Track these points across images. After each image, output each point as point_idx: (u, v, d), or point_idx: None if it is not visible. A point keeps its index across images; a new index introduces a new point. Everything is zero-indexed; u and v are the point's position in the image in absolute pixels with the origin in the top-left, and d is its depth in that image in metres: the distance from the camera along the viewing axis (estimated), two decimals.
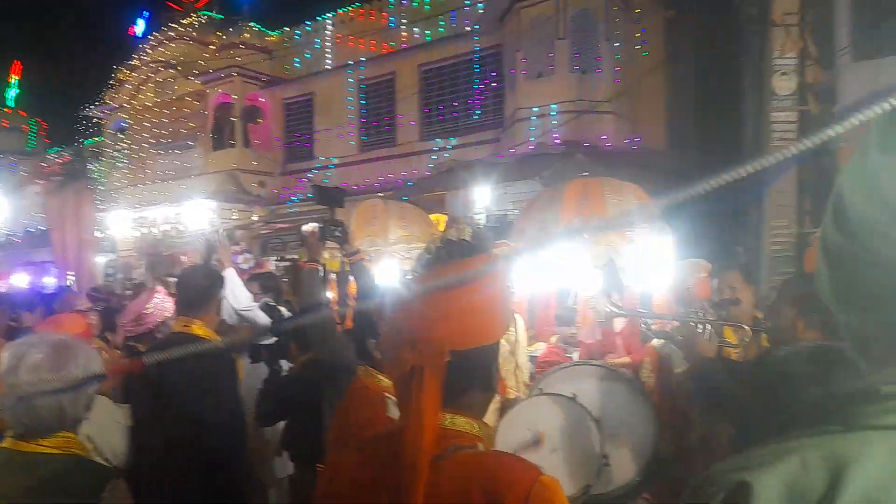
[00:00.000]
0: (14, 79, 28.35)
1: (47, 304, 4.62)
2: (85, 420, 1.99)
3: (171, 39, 18.88)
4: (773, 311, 2.62)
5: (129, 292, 7.76)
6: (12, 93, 28.28)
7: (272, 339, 3.76)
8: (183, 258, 10.06)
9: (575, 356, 4.48)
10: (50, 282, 11.60)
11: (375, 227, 5.23)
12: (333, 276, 4.55)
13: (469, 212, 10.13)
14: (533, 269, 4.24)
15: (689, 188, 0.88)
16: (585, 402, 3.08)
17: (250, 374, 4.13)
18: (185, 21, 18.85)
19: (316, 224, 3.10)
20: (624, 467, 3.06)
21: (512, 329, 3.67)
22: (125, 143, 20.00)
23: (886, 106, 0.66)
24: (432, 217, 7.13)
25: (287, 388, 3.26)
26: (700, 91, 12.27)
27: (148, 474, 2.64)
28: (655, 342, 3.92)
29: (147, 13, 20.80)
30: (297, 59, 17.43)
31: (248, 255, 10.51)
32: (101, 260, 17.43)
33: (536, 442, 2.92)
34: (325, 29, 16.87)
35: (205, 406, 2.67)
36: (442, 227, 6.60)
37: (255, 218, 17.09)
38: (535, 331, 4.98)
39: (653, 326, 3.88)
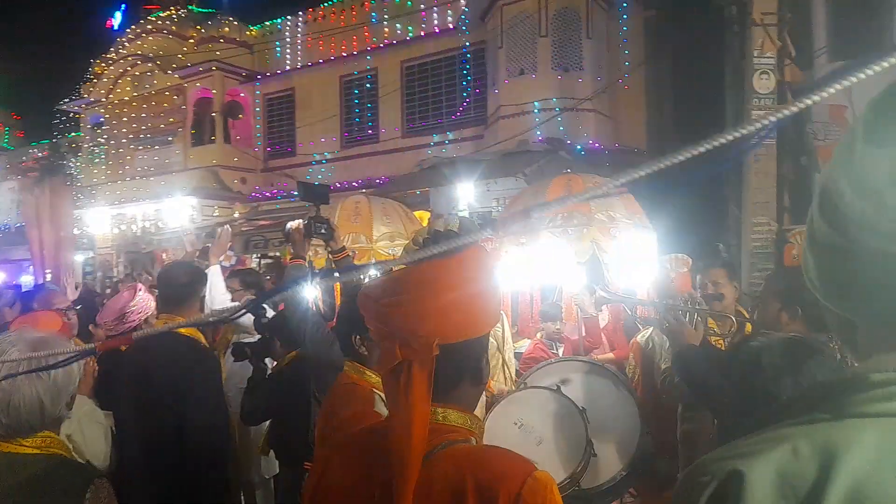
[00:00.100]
0: None
1: (25, 301, 4.54)
2: (66, 419, 1.96)
3: (148, 33, 18.61)
4: (760, 303, 2.67)
5: (108, 290, 7.66)
6: None
7: (256, 337, 3.73)
8: (163, 255, 9.95)
9: (560, 352, 4.51)
10: (27, 280, 11.41)
11: (359, 224, 5.21)
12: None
13: (452, 208, 10.13)
14: (517, 266, 4.25)
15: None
16: (571, 396, 3.10)
17: (234, 373, 4.10)
18: (163, 14, 18.61)
19: (301, 221, 3.08)
20: (610, 462, 3.09)
21: (498, 325, 3.68)
22: (103, 138, 19.71)
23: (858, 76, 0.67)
24: (416, 214, 7.13)
25: (273, 386, 3.24)
26: (680, 90, 12.40)
27: (131, 474, 2.61)
28: (639, 338, 3.96)
29: (124, 6, 20.51)
30: (277, 54, 17.29)
31: (229, 253, 10.42)
32: (79, 258, 17.17)
33: (522, 433, 2.93)
34: (307, 24, 16.76)
35: (188, 404, 2.65)
36: (425, 224, 6.60)
37: (236, 215, 16.94)
38: (520, 327, 5.00)
39: (639, 316, 3.92)
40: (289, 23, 17.20)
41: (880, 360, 0.66)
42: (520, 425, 3.03)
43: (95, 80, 19.60)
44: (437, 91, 14.56)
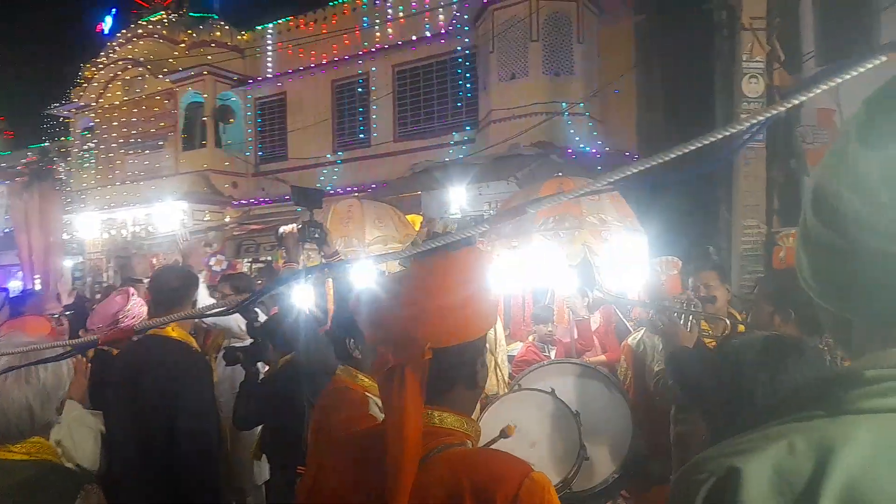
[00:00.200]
0: None
1: (14, 305, 4.50)
2: (56, 424, 1.95)
3: (139, 37, 18.52)
4: (753, 306, 2.69)
5: (98, 296, 7.61)
6: None
7: (248, 342, 3.72)
8: (153, 260, 9.90)
9: (552, 354, 4.52)
10: (16, 285, 11.32)
11: (351, 228, 5.21)
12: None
13: (444, 212, 10.15)
14: (508, 269, 4.26)
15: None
16: (564, 399, 3.11)
17: (225, 378, 4.09)
18: (153, 19, 18.54)
19: (294, 225, 3.08)
20: (602, 464, 3.10)
21: (491, 329, 3.68)
22: (93, 142, 19.60)
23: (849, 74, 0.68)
24: (408, 218, 7.13)
25: (267, 391, 3.23)
26: (671, 93, 12.47)
27: (123, 478, 2.59)
28: (630, 340, 3.97)
29: (115, 10, 20.43)
30: (269, 59, 17.26)
31: (220, 257, 10.38)
32: (68, 263, 17.05)
33: (515, 435, 2.93)
34: (298, 28, 16.75)
35: (179, 408, 2.64)
36: (417, 228, 6.60)
37: (227, 219, 16.88)
38: (512, 330, 5.01)
39: (633, 318, 3.93)
40: (280, 27, 17.19)
41: (875, 357, 0.67)
42: (513, 428, 3.03)
43: (86, 85, 19.48)
44: (429, 95, 14.58)
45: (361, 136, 15.62)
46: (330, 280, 3.21)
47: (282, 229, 3.11)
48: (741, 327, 3.24)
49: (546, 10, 12.05)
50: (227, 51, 17.42)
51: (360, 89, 15.61)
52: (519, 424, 3.06)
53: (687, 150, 0.81)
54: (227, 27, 17.83)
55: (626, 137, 12.45)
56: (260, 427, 3.55)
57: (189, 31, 17.96)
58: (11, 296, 5.86)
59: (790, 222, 8.22)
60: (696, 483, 0.68)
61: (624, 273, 4.23)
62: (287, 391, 3.05)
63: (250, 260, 13.47)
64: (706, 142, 0.80)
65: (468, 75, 13.85)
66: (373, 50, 15.28)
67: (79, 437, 2.55)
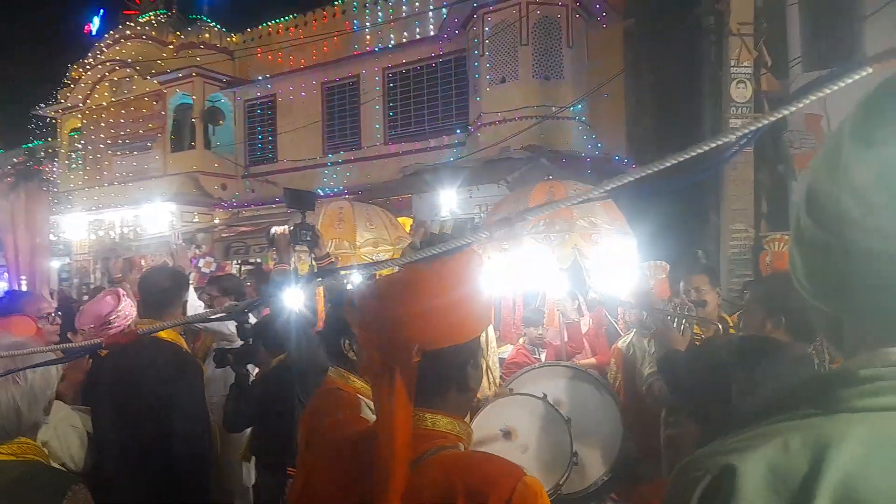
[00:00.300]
0: None
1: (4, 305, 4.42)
2: (43, 425, 1.93)
3: (127, 38, 18.42)
4: (745, 311, 2.71)
5: (86, 297, 7.54)
6: None
7: (238, 344, 3.70)
8: (142, 262, 9.83)
9: (542, 357, 4.53)
10: (1, 286, 11.18)
11: (343, 230, 5.20)
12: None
13: (435, 215, 10.15)
14: (499, 272, 4.27)
15: (650, 187, 0.91)
16: (555, 402, 3.12)
17: (215, 380, 4.06)
18: (142, 20, 18.44)
19: (286, 226, 3.07)
20: (592, 466, 3.11)
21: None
22: (80, 143, 19.45)
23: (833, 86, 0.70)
24: (398, 220, 7.12)
25: (258, 392, 3.21)
26: (659, 98, 12.56)
27: (111, 479, 2.57)
28: (621, 343, 3.99)
29: (103, 11, 20.31)
30: (258, 61, 17.21)
31: (209, 259, 10.33)
32: (55, 264, 16.90)
33: (507, 439, 2.95)
34: (288, 30, 16.72)
35: (170, 410, 2.62)
36: (408, 230, 6.60)
37: (216, 221, 16.80)
38: (502, 333, 5.01)
39: (623, 320, 3.94)
40: (270, 29, 17.15)
41: (868, 356, 0.68)
42: (505, 432, 3.04)
43: (73, 86, 19.35)
44: (420, 98, 14.59)
45: (352, 138, 15.61)
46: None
47: (273, 230, 3.10)
48: (731, 331, 3.26)
49: (535, 15, 12.11)
50: (216, 52, 17.35)
51: (350, 92, 15.60)
52: (511, 429, 3.08)
53: (682, 160, 0.83)
54: (216, 29, 17.76)
55: (616, 141, 12.52)
56: (249, 429, 3.53)
57: (178, 33, 17.90)
58: None
59: (778, 226, 8.30)
60: (692, 481, 0.68)
61: (613, 276, 4.25)
62: (278, 393, 3.04)
63: (239, 262, 13.40)
64: (700, 151, 0.81)
65: (458, 79, 13.88)
66: (363, 53, 15.28)
67: (66, 438, 2.53)
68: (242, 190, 17.33)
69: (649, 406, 3.42)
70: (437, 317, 1.16)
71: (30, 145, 22.48)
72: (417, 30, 14.65)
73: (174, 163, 17.36)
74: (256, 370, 3.70)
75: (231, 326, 3.81)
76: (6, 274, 11.69)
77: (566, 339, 4.28)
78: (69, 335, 3.69)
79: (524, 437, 3.03)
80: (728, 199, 8.52)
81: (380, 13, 15.21)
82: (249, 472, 4.10)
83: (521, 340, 4.73)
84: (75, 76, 19.40)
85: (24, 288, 9.49)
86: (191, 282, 4.21)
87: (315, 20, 16.30)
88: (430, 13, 14.39)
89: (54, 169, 20.40)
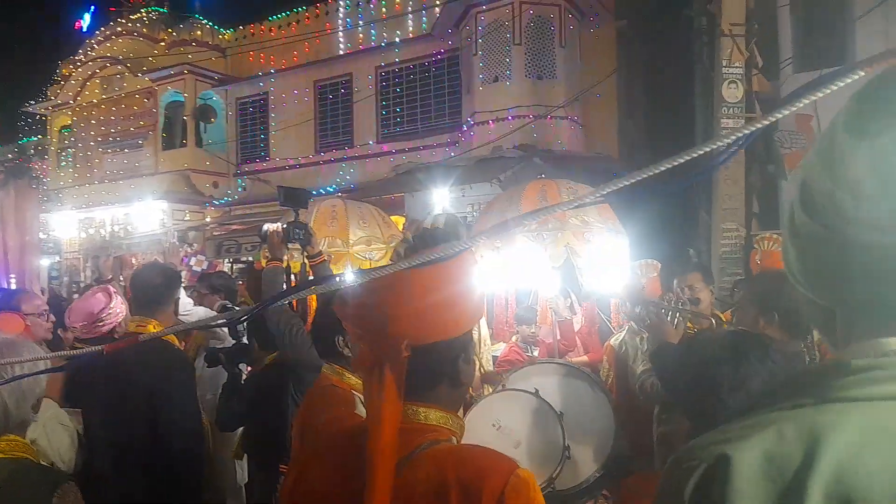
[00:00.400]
0: None
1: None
2: (32, 423, 1.92)
3: (118, 35, 18.32)
4: (738, 308, 2.73)
5: (76, 295, 7.49)
6: None
7: (228, 342, 3.68)
8: (132, 260, 9.76)
9: (535, 355, 4.54)
10: None
11: (335, 228, 5.18)
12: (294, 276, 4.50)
13: (428, 213, 10.14)
14: (492, 270, 4.27)
15: (642, 189, 0.92)
16: (548, 399, 3.13)
17: (206, 378, 4.05)
18: (133, 17, 18.34)
19: (279, 223, 3.07)
20: (585, 463, 3.12)
21: (474, 329, 3.69)
22: (71, 140, 19.32)
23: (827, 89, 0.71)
24: (391, 219, 7.11)
25: (252, 391, 3.20)
26: (652, 98, 12.62)
27: (102, 478, 2.56)
28: (613, 341, 4.01)
29: (93, 8, 20.17)
30: (251, 59, 17.15)
31: (200, 257, 10.29)
32: (45, 262, 16.78)
33: (500, 434, 2.95)
34: (280, 28, 16.67)
35: (161, 408, 2.61)
36: (401, 229, 6.59)
37: (208, 219, 16.73)
38: (495, 331, 5.02)
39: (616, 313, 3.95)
40: (262, 27, 17.09)
41: (861, 346, 0.68)
42: (498, 427, 3.05)
43: (63, 83, 19.22)
44: (412, 97, 14.58)
45: (344, 137, 15.58)
46: (313, 276, 3.20)
47: (265, 227, 3.10)
48: (724, 326, 3.28)
49: (528, 14, 12.13)
50: (208, 50, 17.28)
51: (343, 90, 15.57)
52: (504, 424, 3.09)
53: (677, 163, 0.83)
54: (208, 26, 17.69)
55: (608, 140, 12.55)
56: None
57: (169, 30, 17.81)
58: None
59: (769, 225, 8.35)
60: (686, 471, 0.69)
61: (605, 275, 4.27)
62: (271, 391, 3.03)
63: (231, 260, 13.36)
64: (695, 155, 0.82)
65: (451, 77, 13.88)
66: (356, 51, 15.25)
67: (55, 436, 2.52)
68: (234, 188, 17.27)
69: (642, 403, 3.43)
70: (427, 312, 1.16)
71: (20, 142, 22.33)
72: (410, 28, 14.64)
73: (165, 160, 17.28)
74: (249, 369, 3.69)
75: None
76: None
77: (559, 337, 4.29)
78: (59, 332, 3.66)
79: (517, 431, 3.05)
80: (719, 198, 8.57)
81: (373, 11, 15.19)
82: (243, 471, 4.09)
83: (513, 338, 4.74)
84: (66, 73, 19.27)
85: (13, 286, 9.41)
86: (182, 280, 4.19)
87: (308, 18, 16.25)
88: (424, 12, 14.38)
89: (44, 166, 20.26)
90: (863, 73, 0.69)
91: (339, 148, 15.58)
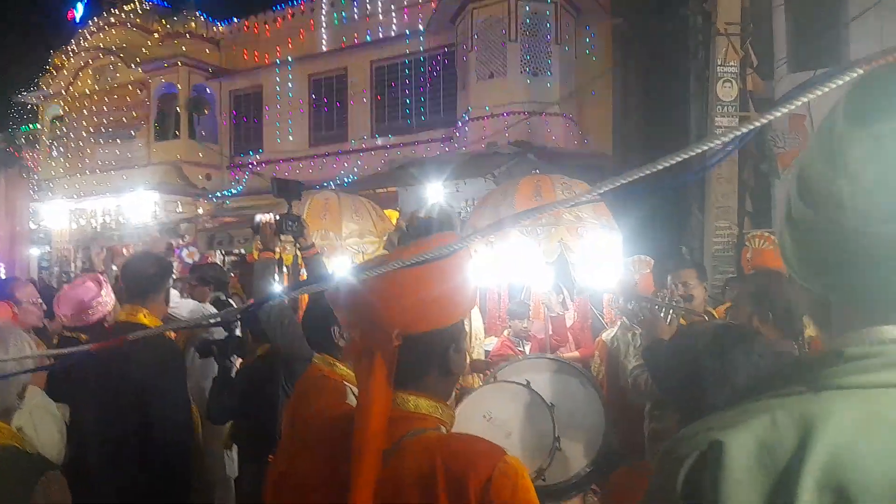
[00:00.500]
0: None
1: None
2: (17, 410, 1.91)
3: (111, 25, 18.19)
4: (733, 307, 2.75)
5: (66, 285, 7.42)
6: None
7: (220, 333, 3.66)
8: (124, 251, 9.71)
9: (527, 350, 4.55)
10: None
11: (329, 220, 5.16)
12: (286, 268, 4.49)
13: (422, 208, 10.13)
14: (485, 265, 4.27)
15: (635, 187, 0.91)
16: (539, 392, 3.13)
17: (195, 369, 4.02)
18: (126, 7, 18.21)
19: (271, 214, 3.06)
20: (575, 458, 3.12)
21: (466, 322, 3.69)
22: (62, 130, 19.17)
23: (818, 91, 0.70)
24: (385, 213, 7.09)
25: (244, 383, 3.18)
26: (647, 96, 12.63)
27: (89, 471, 2.54)
28: (605, 336, 4.01)
29: None
30: (245, 51, 17.06)
31: (192, 249, 10.24)
32: (35, 252, 16.67)
33: (490, 425, 2.95)
34: (275, 21, 16.59)
35: (150, 397, 2.59)
36: (394, 223, 6.58)
37: (200, 211, 16.65)
38: (488, 325, 5.03)
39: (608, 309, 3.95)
40: (257, 20, 17.00)
41: (855, 335, 0.68)
42: (489, 418, 3.05)
43: (55, 72, 19.07)
44: (407, 92, 14.55)
45: (339, 131, 15.53)
46: (304, 268, 3.19)
47: (258, 218, 3.09)
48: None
49: (524, 11, 12.11)
50: (202, 42, 17.18)
51: (337, 84, 15.51)
52: (494, 415, 3.09)
53: (673, 162, 0.83)
54: (202, 18, 17.58)
55: (603, 138, 12.57)
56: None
57: (163, 21, 17.69)
58: None
59: (761, 224, 8.39)
60: (679, 457, 0.69)
61: (599, 270, 4.27)
62: (263, 383, 3.02)
63: (223, 252, 13.30)
64: (692, 153, 0.82)
65: (447, 73, 13.85)
66: (351, 45, 15.19)
67: (42, 424, 2.49)
68: (227, 180, 17.19)
69: (633, 400, 3.44)
70: (418, 301, 1.16)
71: (11, 131, 22.15)
72: (406, 23, 14.59)
73: (158, 152, 17.18)
74: (240, 360, 3.67)
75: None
76: None
77: (550, 333, 4.30)
78: (45, 322, 3.64)
79: (507, 422, 3.05)
80: (713, 196, 8.60)
81: (368, 5, 15.13)
82: (233, 462, 4.07)
83: (505, 333, 4.74)
84: (58, 63, 19.13)
85: (2, 275, 9.35)
86: (174, 272, 4.17)
87: (303, 10, 16.17)
88: (419, 6, 14.34)
89: (36, 156, 20.11)
90: (860, 72, 0.69)
91: (333, 142, 15.53)
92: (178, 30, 17.25)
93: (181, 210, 16.56)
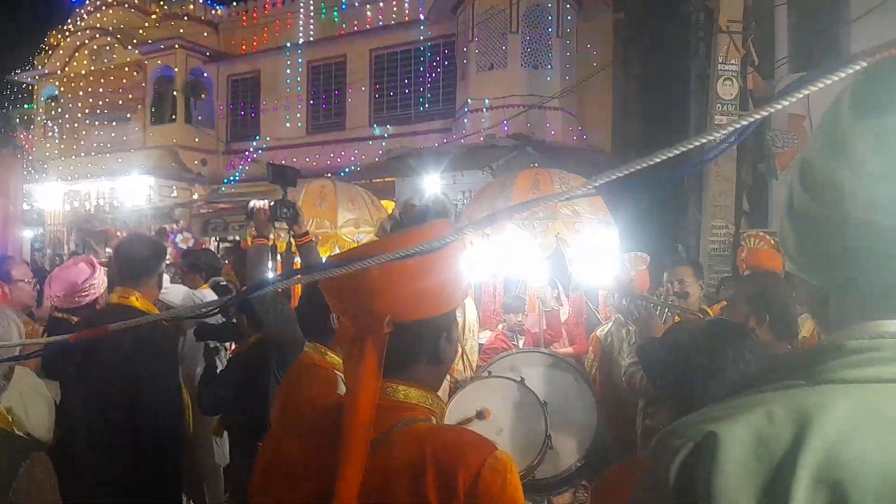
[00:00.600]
0: None
1: None
2: (4, 391, 1.89)
3: (108, 5, 18.00)
4: (729, 307, 2.74)
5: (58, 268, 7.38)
6: None
7: (220, 321, 3.63)
8: (117, 234, 9.66)
9: (520, 344, 4.54)
10: None
11: (324, 209, 5.14)
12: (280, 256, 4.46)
13: (418, 199, 10.10)
14: (481, 258, 4.25)
15: (633, 181, 0.90)
16: (532, 388, 3.12)
17: (188, 354, 3.99)
18: None
19: (266, 200, 3.03)
20: (566, 453, 3.13)
21: (460, 313, 3.68)
22: (57, 111, 19.01)
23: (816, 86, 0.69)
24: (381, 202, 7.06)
25: (238, 372, 3.16)
26: (647, 91, 12.60)
27: (79, 454, 2.52)
28: (599, 332, 4.01)
29: None
30: (244, 36, 16.93)
31: (187, 235, 10.20)
32: (28, 234, 16.54)
33: (482, 420, 2.95)
34: (275, 7, 16.45)
35: (141, 384, 2.57)
36: (390, 214, 6.55)
37: (195, 196, 16.56)
38: (482, 318, 5.01)
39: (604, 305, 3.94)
40: (257, 4, 16.86)
41: (854, 328, 0.68)
42: (480, 413, 3.04)
43: (50, 52, 18.88)
44: (406, 81, 14.48)
45: (336, 119, 15.46)
46: (299, 256, 3.16)
47: (252, 203, 3.06)
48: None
49: (526, 3, 12.06)
50: (200, 24, 17.04)
51: (336, 72, 15.43)
52: (487, 409, 3.08)
53: (671, 155, 0.81)
54: (200, 1, 17.42)
55: (602, 133, 12.56)
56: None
57: (161, 3, 17.52)
58: None
59: (758, 224, 8.40)
60: (673, 449, 0.68)
61: (595, 265, 4.26)
62: (256, 370, 3.00)
63: (217, 238, 13.25)
64: (688, 147, 0.80)
65: (446, 63, 13.79)
66: (351, 33, 15.10)
67: (32, 405, 2.47)
68: (223, 166, 17.10)
69: (627, 396, 3.43)
70: (410, 288, 1.14)
71: (5, 111, 21.97)
72: (406, 12, 14.50)
73: (154, 135, 17.07)
74: (233, 346, 3.65)
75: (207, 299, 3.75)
76: None
77: (545, 327, 4.29)
78: (34, 310, 3.61)
79: (500, 418, 3.04)
80: (710, 195, 8.60)
81: None
82: (223, 451, 4.05)
83: (500, 326, 4.73)
84: (54, 42, 18.94)
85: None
86: (168, 257, 4.14)
87: None
88: None
89: (30, 136, 19.94)
90: (864, 65, 0.68)
91: (330, 130, 15.45)
92: (176, 11, 17.10)
93: (176, 195, 16.47)
